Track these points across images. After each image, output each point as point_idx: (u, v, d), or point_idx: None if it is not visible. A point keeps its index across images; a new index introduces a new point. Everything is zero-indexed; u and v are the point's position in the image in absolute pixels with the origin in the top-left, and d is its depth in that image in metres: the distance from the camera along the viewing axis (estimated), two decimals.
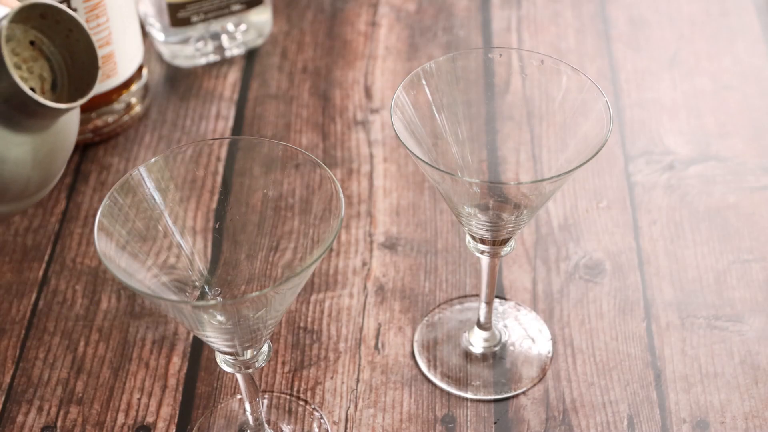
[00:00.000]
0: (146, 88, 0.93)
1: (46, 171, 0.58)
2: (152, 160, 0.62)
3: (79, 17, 0.55)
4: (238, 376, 0.66)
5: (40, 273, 0.81)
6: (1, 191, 0.55)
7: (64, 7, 0.55)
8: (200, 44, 0.96)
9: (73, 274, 0.81)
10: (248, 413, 0.69)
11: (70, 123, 0.61)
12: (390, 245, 0.83)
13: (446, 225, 0.84)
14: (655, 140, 0.90)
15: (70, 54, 0.56)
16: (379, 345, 0.76)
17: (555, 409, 0.73)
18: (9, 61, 0.52)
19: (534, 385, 0.74)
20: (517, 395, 0.73)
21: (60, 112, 0.55)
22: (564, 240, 0.83)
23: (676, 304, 0.78)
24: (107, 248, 0.59)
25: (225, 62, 0.98)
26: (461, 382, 0.74)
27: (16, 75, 0.52)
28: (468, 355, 0.76)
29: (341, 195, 0.60)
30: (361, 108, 0.93)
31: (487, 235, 0.68)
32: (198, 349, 0.76)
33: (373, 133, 0.91)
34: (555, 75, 0.67)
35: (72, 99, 0.57)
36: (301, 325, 0.78)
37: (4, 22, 0.52)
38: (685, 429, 0.71)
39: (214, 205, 0.68)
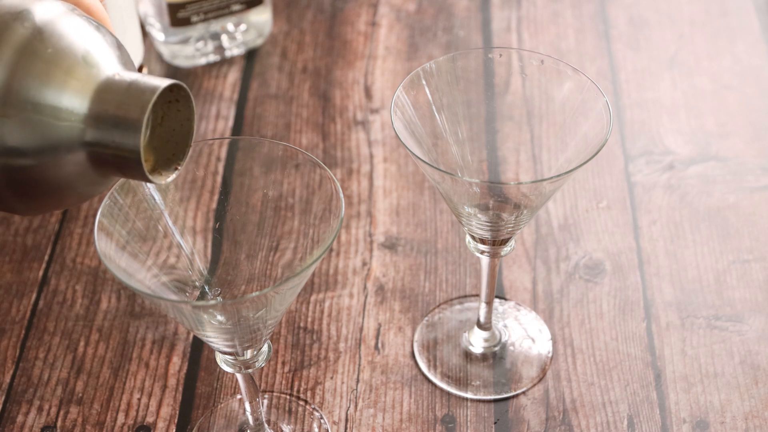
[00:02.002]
0: None
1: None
2: None
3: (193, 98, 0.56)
4: (238, 376, 0.66)
5: (40, 273, 0.81)
6: (47, 209, 0.57)
7: (187, 88, 0.56)
8: (200, 44, 0.96)
9: (73, 274, 0.81)
10: (248, 413, 0.69)
11: None
12: (390, 245, 0.83)
13: (446, 225, 0.84)
14: (655, 140, 0.90)
15: (162, 116, 0.57)
16: (379, 345, 0.76)
17: (555, 409, 0.73)
18: (143, 140, 0.53)
19: (534, 385, 0.74)
20: (517, 395, 0.73)
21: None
22: (564, 240, 0.83)
23: (676, 304, 0.78)
24: (107, 248, 0.59)
25: (225, 62, 0.98)
26: (461, 382, 0.74)
27: (144, 162, 0.53)
28: (468, 355, 0.76)
29: (341, 195, 0.60)
30: (361, 108, 0.93)
31: (487, 235, 0.68)
32: (198, 349, 0.76)
33: (373, 133, 0.91)
34: (555, 75, 0.67)
35: (154, 161, 0.58)
36: (301, 325, 0.78)
37: (150, 100, 0.53)
38: (685, 429, 0.71)
39: (214, 205, 0.68)
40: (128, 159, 0.53)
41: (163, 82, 0.53)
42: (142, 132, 0.53)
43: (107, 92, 0.53)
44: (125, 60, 0.56)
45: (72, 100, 0.53)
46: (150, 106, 0.53)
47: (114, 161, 0.54)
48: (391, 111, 0.65)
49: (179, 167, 0.57)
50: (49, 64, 0.52)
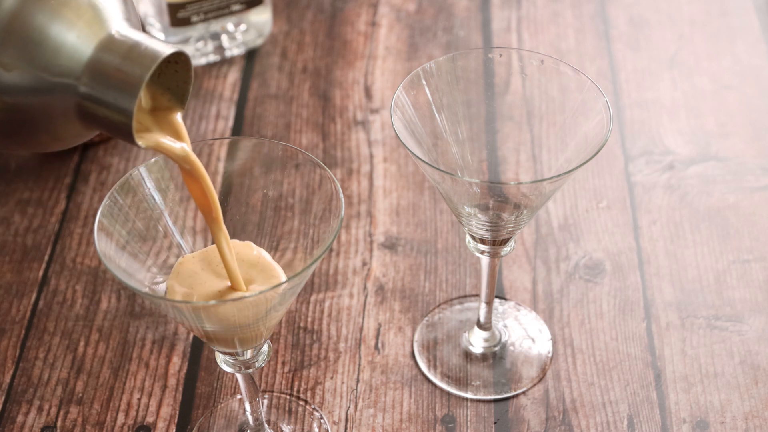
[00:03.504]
0: None
1: None
2: (152, 160, 0.62)
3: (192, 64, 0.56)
4: (238, 376, 0.66)
5: (40, 273, 0.81)
6: (24, 149, 0.57)
7: (188, 54, 0.55)
8: (200, 44, 0.96)
9: (73, 274, 0.81)
10: (248, 413, 0.69)
11: None
12: (390, 245, 0.83)
13: (446, 225, 0.84)
14: (655, 140, 0.90)
15: (159, 74, 0.56)
16: (379, 345, 0.76)
17: (555, 409, 0.73)
18: (136, 108, 0.53)
19: (534, 385, 0.74)
20: (517, 395, 0.73)
21: None
22: (564, 240, 0.83)
23: (676, 304, 0.78)
24: (107, 248, 0.59)
25: (225, 62, 0.98)
26: (461, 382, 0.74)
27: (136, 133, 0.53)
28: (468, 355, 0.76)
29: (341, 195, 0.60)
30: (361, 108, 0.93)
31: (487, 235, 0.68)
32: (198, 349, 0.76)
33: (373, 133, 0.91)
34: (555, 75, 0.67)
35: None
36: (301, 325, 0.78)
37: (150, 67, 0.52)
38: (685, 429, 0.71)
39: None
40: (119, 120, 0.53)
41: (165, 50, 0.53)
42: (137, 97, 0.52)
43: (107, 51, 0.53)
44: (130, 14, 0.55)
45: (71, 54, 0.52)
46: (149, 73, 0.52)
47: (104, 119, 0.53)
48: (391, 111, 0.65)
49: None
50: (52, 13, 0.52)
